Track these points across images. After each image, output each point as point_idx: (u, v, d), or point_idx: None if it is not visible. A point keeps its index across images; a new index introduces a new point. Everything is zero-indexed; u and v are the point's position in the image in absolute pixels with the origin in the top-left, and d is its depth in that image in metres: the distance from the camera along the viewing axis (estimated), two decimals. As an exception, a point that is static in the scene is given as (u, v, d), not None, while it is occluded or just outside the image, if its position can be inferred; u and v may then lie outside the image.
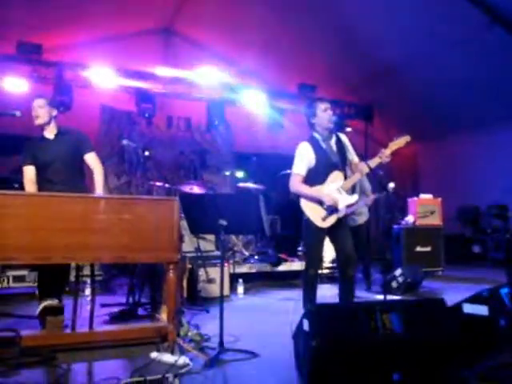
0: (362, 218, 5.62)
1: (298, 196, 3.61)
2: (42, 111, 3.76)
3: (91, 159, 3.94)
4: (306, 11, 7.22)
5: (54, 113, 3.86)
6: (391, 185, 5.47)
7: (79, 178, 3.93)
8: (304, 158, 3.58)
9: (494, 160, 9.13)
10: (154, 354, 2.97)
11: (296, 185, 3.60)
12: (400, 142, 3.55)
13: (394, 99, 9.09)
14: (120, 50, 7.61)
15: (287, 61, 8.54)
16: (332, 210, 3.50)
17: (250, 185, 6.84)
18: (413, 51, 7.68)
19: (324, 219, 3.51)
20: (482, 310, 2.74)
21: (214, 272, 5.13)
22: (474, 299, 2.82)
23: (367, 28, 7.44)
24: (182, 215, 3.42)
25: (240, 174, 9.62)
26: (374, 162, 3.54)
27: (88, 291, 4.64)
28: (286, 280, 6.25)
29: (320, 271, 6.20)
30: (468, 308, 2.82)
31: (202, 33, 8.65)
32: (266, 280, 6.26)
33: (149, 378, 2.48)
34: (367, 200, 5.48)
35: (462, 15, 6.49)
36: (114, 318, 4.07)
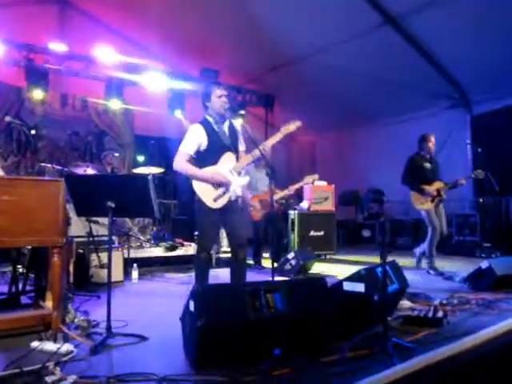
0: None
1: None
2: None
3: None
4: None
5: None
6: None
7: None
8: (194, 139, 3.52)
9: (382, 150, 9.81)
10: (34, 344, 2.80)
11: (181, 163, 3.50)
12: (291, 126, 3.68)
13: (294, 89, 9.37)
14: (9, 18, 6.97)
15: (191, 44, 8.42)
16: (224, 187, 3.48)
17: (151, 168, 6.72)
18: (313, 43, 7.96)
19: (215, 200, 3.48)
20: (360, 287, 2.97)
21: (106, 257, 4.95)
22: (353, 277, 3.04)
23: (270, 18, 7.57)
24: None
25: (141, 158, 9.41)
26: (267, 144, 3.60)
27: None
28: (182, 264, 6.22)
29: (217, 256, 6.31)
30: (347, 286, 3.04)
31: (101, 8, 8.21)
32: (162, 265, 6.19)
33: (26, 368, 2.33)
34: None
35: (360, 11, 6.85)
36: (-8, 309, 3.78)
